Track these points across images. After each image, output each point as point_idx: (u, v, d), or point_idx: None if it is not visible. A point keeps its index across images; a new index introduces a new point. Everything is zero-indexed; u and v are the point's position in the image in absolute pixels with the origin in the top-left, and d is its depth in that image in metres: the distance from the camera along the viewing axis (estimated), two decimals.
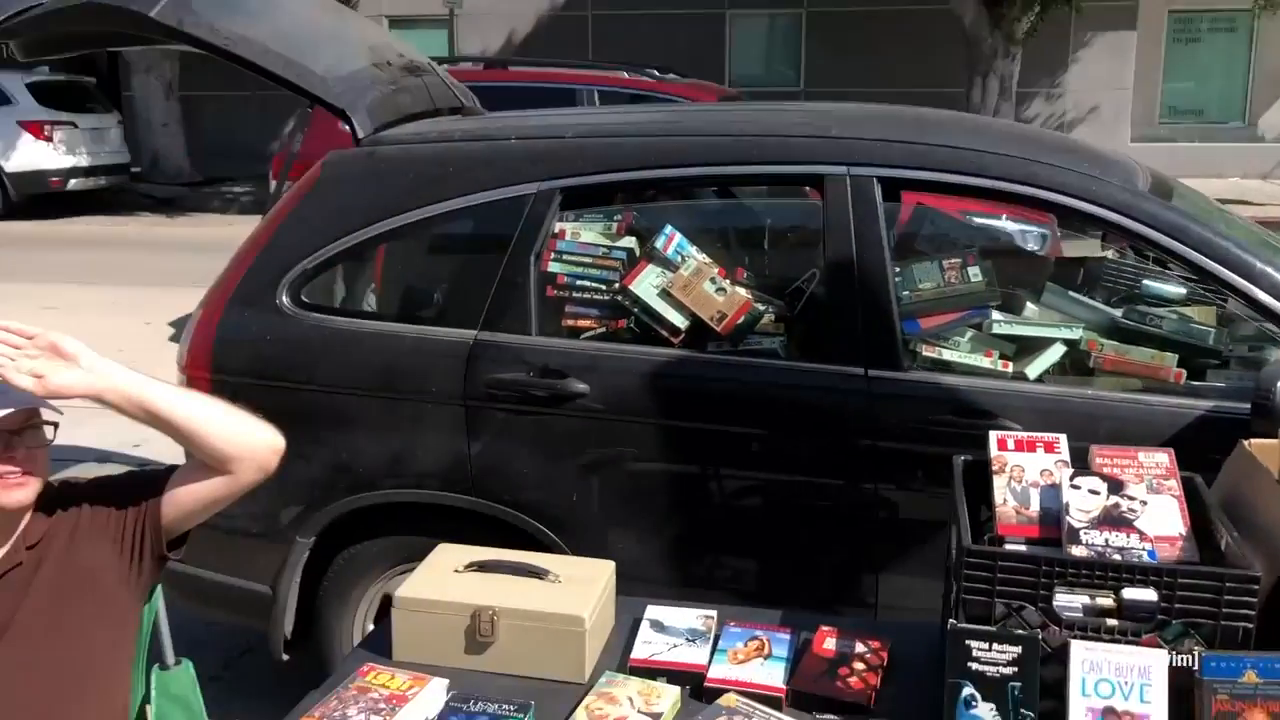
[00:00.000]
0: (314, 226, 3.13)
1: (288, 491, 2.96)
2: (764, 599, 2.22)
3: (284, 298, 3.09)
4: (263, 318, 3.09)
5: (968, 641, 1.50)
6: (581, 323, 2.96)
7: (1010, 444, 1.80)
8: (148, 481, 1.93)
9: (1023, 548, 1.65)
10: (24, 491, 1.82)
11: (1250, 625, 1.49)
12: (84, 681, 1.87)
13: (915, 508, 2.76)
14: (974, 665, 1.48)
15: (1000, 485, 1.74)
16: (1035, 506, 1.70)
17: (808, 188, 3.11)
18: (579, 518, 2.89)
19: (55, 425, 1.88)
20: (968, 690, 1.48)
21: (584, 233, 3.00)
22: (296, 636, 3.20)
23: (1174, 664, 1.47)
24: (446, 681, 1.68)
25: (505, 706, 1.57)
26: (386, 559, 3.12)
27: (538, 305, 2.94)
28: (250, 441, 1.88)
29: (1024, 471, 1.75)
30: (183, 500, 1.91)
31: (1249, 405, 2.35)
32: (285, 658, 3.17)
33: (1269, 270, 2.61)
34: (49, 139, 13.26)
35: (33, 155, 13.17)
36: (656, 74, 8.35)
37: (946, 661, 1.51)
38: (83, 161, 13.68)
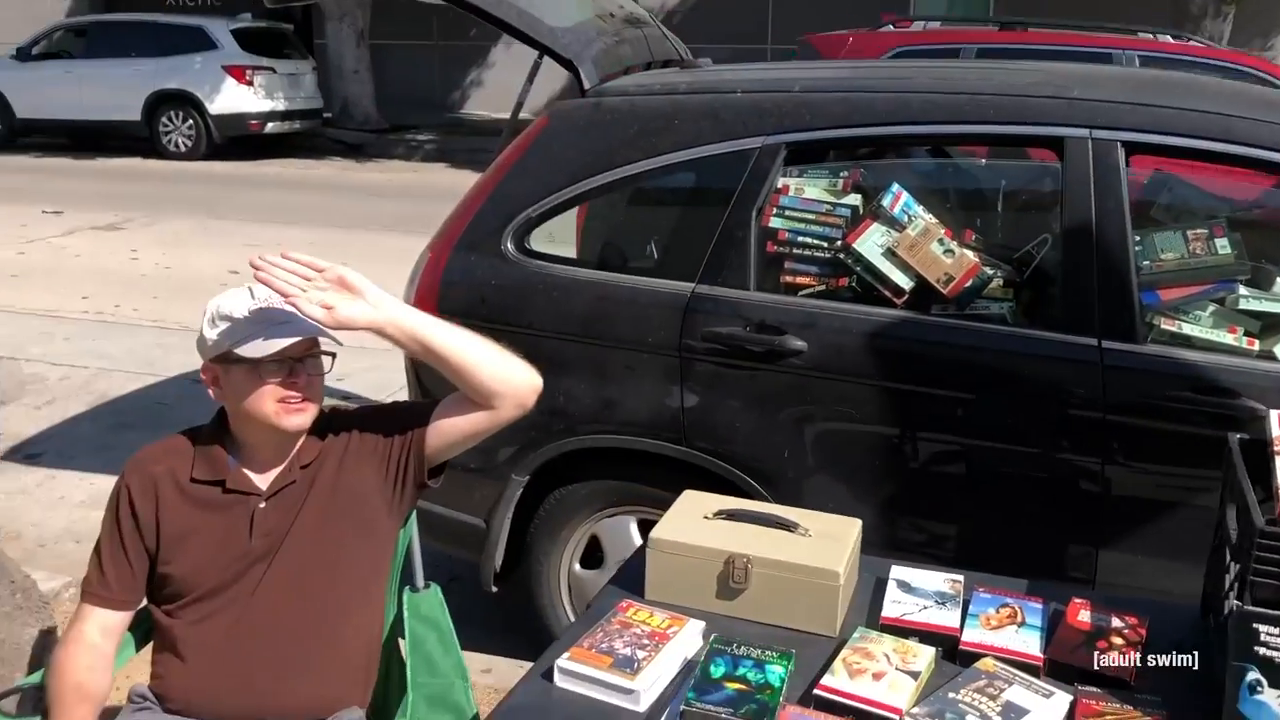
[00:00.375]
0: (539, 175, 3.20)
1: (506, 431, 3.05)
2: (972, 566, 2.18)
3: (508, 244, 3.19)
4: (487, 262, 3.19)
5: (1255, 625, 1.45)
6: (801, 279, 2.96)
7: None
8: (415, 412, 2.03)
9: None
10: (304, 416, 1.94)
11: None
12: (347, 598, 1.99)
13: (1143, 485, 2.67)
14: (1262, 650, 1.44)
15: None
16: None
17: (1040, 150, 3.01)
18: (790, 474, 2.90)
19: (333, 356, 1.99)
20: (1253, 675, 1.44)
21: (808, 188, 2.98)
22: (504, 570, 3.33)
23: None
24: (703, 624, 1.73)
25: (768, 652, 1.60)
26: (596, 501, 3.20)
27: (757, 260, 2.95)
28: (513, 379, 1.95)
29: None
30: (446, 431, 2.00)
31: None
32: (494, 589, 3.30)
33: None
34: (250, 83, 13.90)
35: (235, 98, 13.83)
36: (1208, 41, 7.73)
37: (1229, 645, 1.46)
38: (280, 106, 14.30)
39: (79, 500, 4.57)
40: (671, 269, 3.05)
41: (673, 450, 3.02)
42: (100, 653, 1.93)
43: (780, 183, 2.97)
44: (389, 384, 5.49)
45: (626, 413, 3.04)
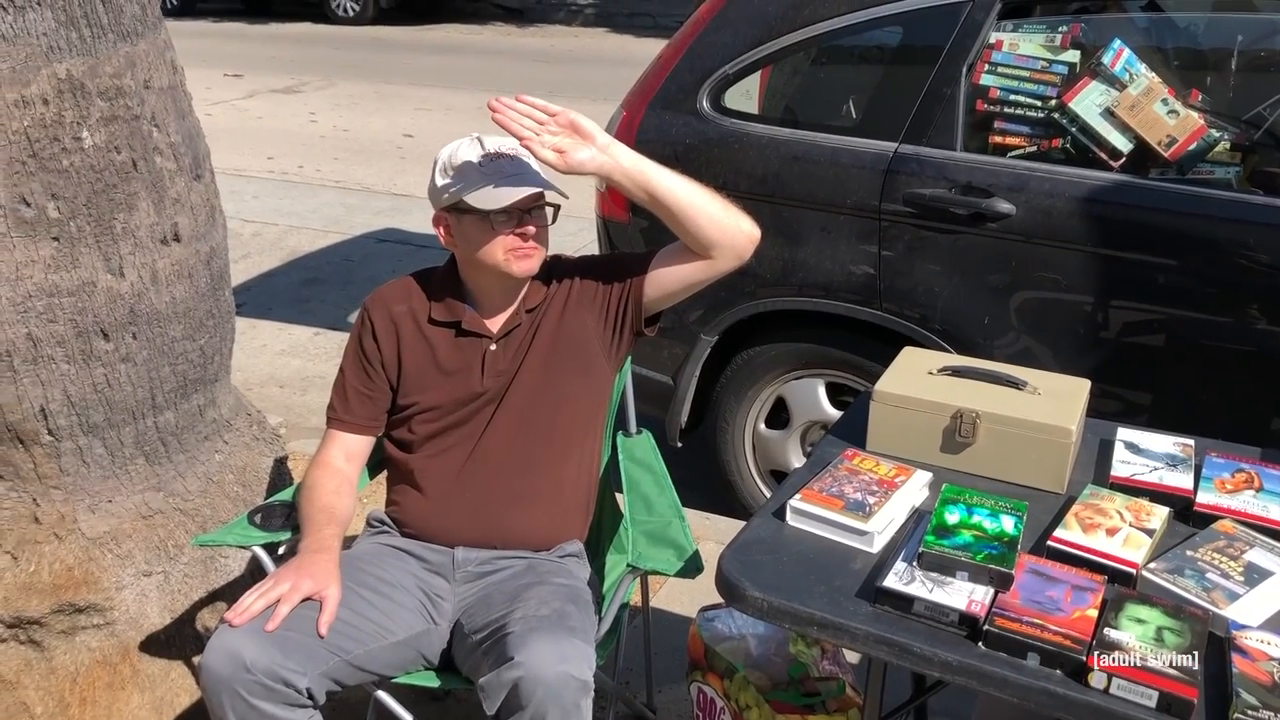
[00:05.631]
0: (738, 31, 3.15)
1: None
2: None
3: (704, 102, 3.16)
4: (682, 120, 3.18)
5: None
6: (1011, 140, 2.86)
7: None
8: (634, 261, 2.07)
9: None
10: (533, 261, 2.00)
11: None
12: (569, 435, 2.08)
13: None
14: None
15: None
16: None
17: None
18: (991, 342, 2.86)
19: (557, 208, 2.03)
20: None
21: (1022, 44, 2.85)
22: (688, 426, 3.40)
23: None
24: (930, 475, 1.74)
25: (1001, 502, 1.61)
26: (784, 363, 3.22)
27: (965, 120, 2.86)
28: (733, 229, 1.96)
29: None
30: (664, 281, 2.03)
31: None
32: (679, 444, 3.39)
33: None
34: None
35: None
36: None
37: None
38: None
39: (279, 349, 4.83)
40: (873, 128, 2.98)
41: (866, 314, 3.00)
42: (345, 477, 2.07)
43: (994, 38, 2.85)
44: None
45: (819, 275, 3.03)
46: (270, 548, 2.03)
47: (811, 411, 3.23)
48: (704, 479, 3.42)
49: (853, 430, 1.90)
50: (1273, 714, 1.25)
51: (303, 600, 1.81)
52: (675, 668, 2.49)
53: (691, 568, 1.90)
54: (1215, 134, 2.72)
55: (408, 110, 8.96)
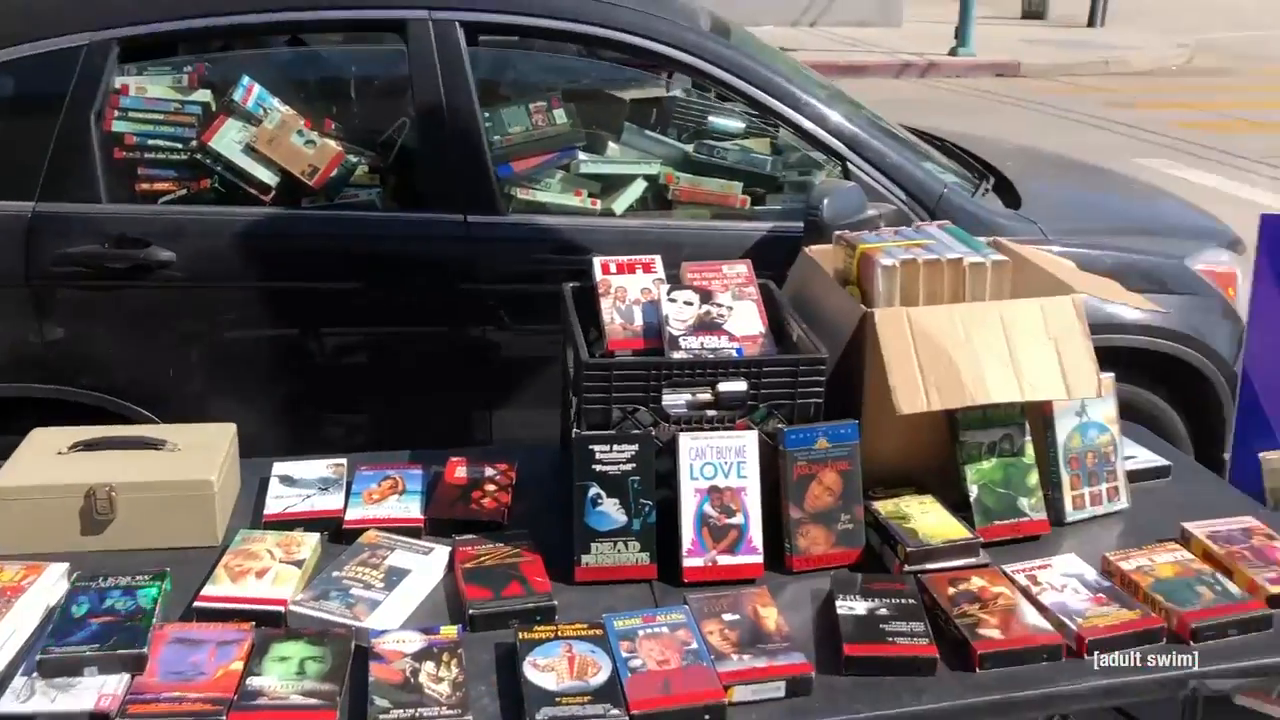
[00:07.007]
0: None
1: None
2: (388, 447, 2.24)
3: None
4: None
5: (591, 446, 1.63)
6: (159, 185, 2.77)
7: (613, 268, 1.93)
8: None
9: (631, 357, 1.80)
10: None
11: (820, 400, 1.73)
12: None
13: (520, 345, 2.86)
14: (598, 467, 1.62)
15: (607, 306, 1.87)
16: (639, 321, 1.85)
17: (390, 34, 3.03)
18: (180, 393, 2.76)
19: None
20: (594, 490, 1.62)
21: (150, 87, 2.78)
22: None
23: (762, 441, 1.69)
24: (66, 565, 1.59)
25: (139, 577, 1.52)
26: None
27: (105, 169, 2.70)
28: None
29: (627, 292, 1.89)
30: None
31: (803, 223, 2.64)
32: None
33: (812, 101, 2.91)
34: None
35: None
36: None
37: (574, 468, 1.63)
38: None
39: None
40: (3, 188, 2.69)
41: (40, 391, 2.72)
42: None
43: (119, 82, 2.73)
44: None
45: None
46: None
47: None
48: None
49: None
50: (403, 710, 1.31)
51: None
52: None
53: None
54: (353, 159, 2.87)
55: None
